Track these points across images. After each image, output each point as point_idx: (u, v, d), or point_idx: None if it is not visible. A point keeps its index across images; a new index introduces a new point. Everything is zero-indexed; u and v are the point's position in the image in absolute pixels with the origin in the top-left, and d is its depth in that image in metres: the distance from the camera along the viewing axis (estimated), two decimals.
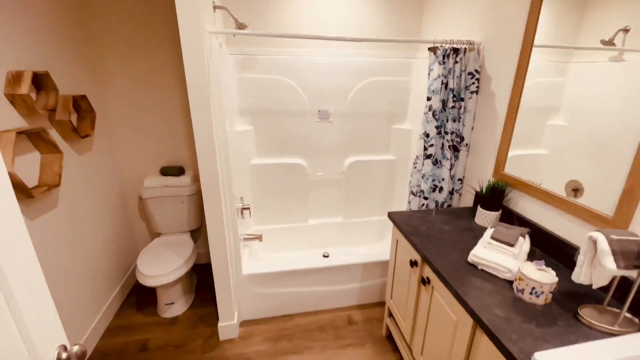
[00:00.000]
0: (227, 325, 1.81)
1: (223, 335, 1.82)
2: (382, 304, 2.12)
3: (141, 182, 2.18)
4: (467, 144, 1.71)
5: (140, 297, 2.15)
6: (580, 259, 0.91)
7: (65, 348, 0.77)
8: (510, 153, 1.45)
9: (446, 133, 1.67)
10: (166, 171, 2.08)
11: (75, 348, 0.75)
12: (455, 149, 1.71)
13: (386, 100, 2.21)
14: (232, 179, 1.71)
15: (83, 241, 1.73)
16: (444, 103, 1.63)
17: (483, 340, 0.94)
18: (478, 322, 0.95)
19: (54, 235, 1.51)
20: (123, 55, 1.93)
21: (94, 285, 1.81)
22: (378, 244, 2.56)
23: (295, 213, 2.39)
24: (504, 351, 0.84)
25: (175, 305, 1.98)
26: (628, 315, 0.91)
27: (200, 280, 2.35)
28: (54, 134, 1.54)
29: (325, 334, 1.88)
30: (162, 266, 1.81)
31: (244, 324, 1.95)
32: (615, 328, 0.88)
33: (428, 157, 1.69)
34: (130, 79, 1.97)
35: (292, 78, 2.05)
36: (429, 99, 1.62)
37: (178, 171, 2.08)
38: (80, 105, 1.73)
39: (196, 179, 2.19)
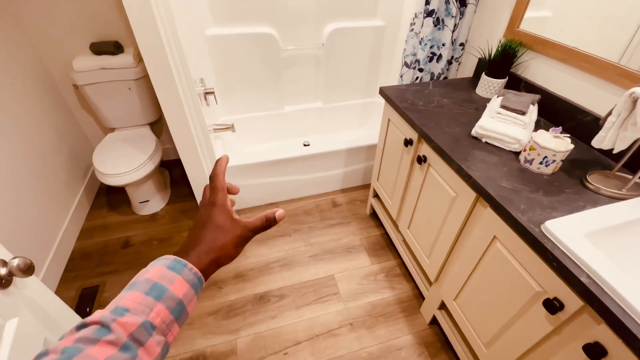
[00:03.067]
0: None
1: None
2: (364, 186, 2.12)
3: (70, 64, 1.72)
4: None
5: (110, 197, 2.00)
6: (611, 120, 0.79)
7: (3, 262, 0.61)
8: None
9: None
10: (98, 48, 1.63)
11: (17, 261, 0.60)
12: (462, 2, 1.38)
13: None
14: (186, 55, 1.35)
15: (19, 140, 1.42)
16: None
17: (485, 213, 0.90)
18: (483, 195, 0.88)
19: None
20: None
21: (53, 188, 1.60)
22: (360, 129, 2.42)
23: (269, 99, 2.10)
24: (511, 222, 0.80)
25: (151, 203, 1.87)
26: (638, 180, 0.87)
27: (172, 175, 2.20)
28: None
29: (312, 217, 1.90)
30: (124, 163, 1.60)
31: None
32: (624, 192, 0.84)
33: (429, 14, 1.37)
34: None
35: None
36: None
37: (113, 47, 1.63)
38: None
39: (141, 58, 1.76)
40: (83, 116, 1.95)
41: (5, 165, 1.34)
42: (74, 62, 1.60)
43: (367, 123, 2.39)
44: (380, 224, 1.85)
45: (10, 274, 0.61)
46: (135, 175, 1.58)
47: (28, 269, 0.61)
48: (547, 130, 0.95)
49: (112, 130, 1.93)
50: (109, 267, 1.60)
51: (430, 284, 1.32)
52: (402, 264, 1.63)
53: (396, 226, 1.58)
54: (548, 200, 0.84)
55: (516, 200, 0.83)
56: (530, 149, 0.92)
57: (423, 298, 1.46)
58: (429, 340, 1.34)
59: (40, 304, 0.70)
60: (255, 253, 1.68)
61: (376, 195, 1.79)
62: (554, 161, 0.90)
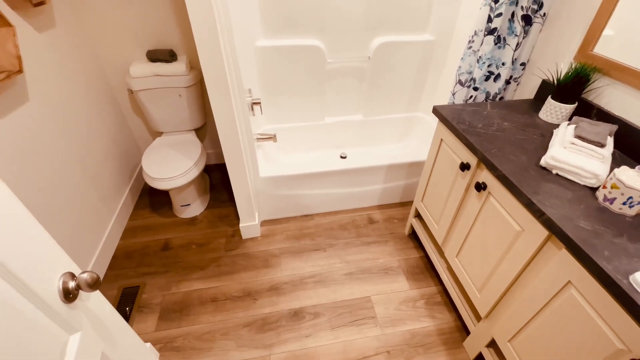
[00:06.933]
0: (249, 225, 1.76)
1: (245, 234, 1.80)
2: (402, 204, 2.05)
3: (126, 69, 1.81)
4: (544, 14, 1.29)
5: (153, 199, 2.06)
6: None
7: (72, 276, 0.62)
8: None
9: None
10: (154, 56, 1.69)
11: (85, 276, 0.61)
12: (527, 21, 1.31)
13: None
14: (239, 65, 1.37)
15: (77, 140, 1.50)
16: None
17: (560, 255, 0.82)
18: (558, 235, 0.80)
19: (39, 134, 1.27)
20: None
21: (103, 187, 1.67)
22: (399, 143, 2.35)
23: (311, 110, 2.10)
24: (594, 270, 0.72)
25: (191, 207, 1.91)
26: None
27: (212, 180, 2.24)
28: None
29: (347, 232, 1.86)
30: (172, 168, 1.64)
31: (264, 223, 1.91)
32: None
33: (491, 32, 1.31)
34: None
35: None
36: None
37: (168, 55, 1.69)
38: None
39: (193, 66, 1.82)
40: (133, 119, 2.04)
41: (61, 165, 1.41)
42: (131, 68, 1.68)
43: (407, 138, 2.32)
44: (419, 246, 1.78)
45: (78, 288, 0.62)
46: (182, 180, 1.62)
47: (95, 284, 0.61)
48: (630, 166, 0.86)
49: (160, 134, 1.99)
50: (150, 269, 1.64)
51: (479, 319, 1.23)
52: (444, 292, 1.54)
53: (440, 252, 1.50)
54: (634, 247, 0.75)
55: (599, 245, 0.75)
56: (612, 187, 0.84)
57: (467, 332, 1.37)
58: None
59: (99, 316, 0.71)
60: (290, 266, 1.66)
61: (418, 216, 1.72)
62: (639, 202, 0.80)
